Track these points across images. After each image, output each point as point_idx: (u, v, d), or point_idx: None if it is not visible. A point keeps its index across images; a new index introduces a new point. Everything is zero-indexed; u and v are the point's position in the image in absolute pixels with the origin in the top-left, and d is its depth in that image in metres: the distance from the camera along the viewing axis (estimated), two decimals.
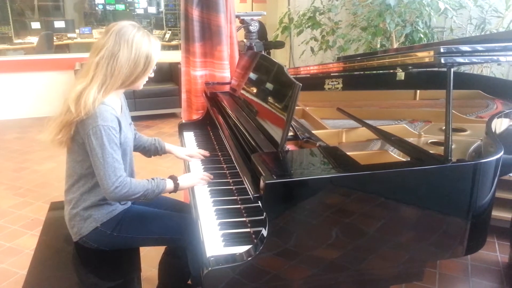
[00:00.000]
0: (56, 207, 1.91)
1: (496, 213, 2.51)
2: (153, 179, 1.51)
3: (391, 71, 2.53)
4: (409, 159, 1.35)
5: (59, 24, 6.06)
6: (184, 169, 1.95)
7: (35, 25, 5.93)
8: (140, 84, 1.54)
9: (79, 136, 1.45)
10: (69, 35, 6.10)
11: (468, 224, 1.27)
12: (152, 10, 6.70)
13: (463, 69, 3.41)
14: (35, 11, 5.97)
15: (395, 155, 1.48)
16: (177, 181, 1.56)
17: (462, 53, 1.25)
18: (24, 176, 3.67)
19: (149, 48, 1.47)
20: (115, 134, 1.42)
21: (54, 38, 5.96)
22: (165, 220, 1.62)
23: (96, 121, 1.39)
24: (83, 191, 1.53)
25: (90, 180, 1.51)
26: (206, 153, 1.90)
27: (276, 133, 1.35)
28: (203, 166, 1.83)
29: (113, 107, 1.46)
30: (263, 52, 2.50)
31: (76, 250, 1.60)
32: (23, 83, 5.56)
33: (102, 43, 1.44)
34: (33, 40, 5.87)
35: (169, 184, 1.54)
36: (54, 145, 1.49)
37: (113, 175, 1.40)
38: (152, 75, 1.56)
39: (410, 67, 2.14)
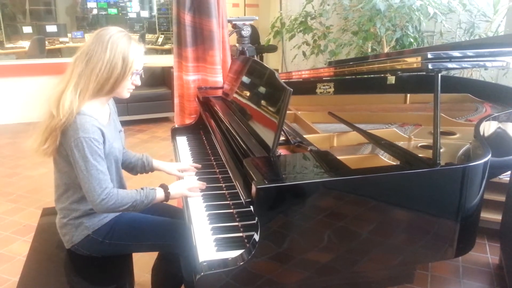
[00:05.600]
0: (48, 213, 1.90)
1: (486, 215, 2.54)
2: (142, 189, 1.49)
3: (382, 75, 2.55)
4: (398, 163, 1.37)
5: (51, 28, 6.05)
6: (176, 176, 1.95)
7: (27, 29, 5.91)
8: (123, 91, 1.49)
9: (63, 148, 1.43)
10: (61, 39, 6.08)
11: (457, 226, 1.29)
12: (145, 14, 6.71)
13: (453, 72, 3.45)
14: (27, 15, 5.95)
15: (385, 159, 1.50)
16: (168, 190, 1.54)
17: (450, 59, 1.28)
18: (16, 182, 3.64)
19: (126, 50, 1.41)
20: (97, 145, 1.39)
21: (46, 42, 5.94)
22: (157, 226, 1.62)
23: (77, 133, 1.36)
24: (72, 200, 1.52)
25: (79, 190, 1.48)
26: (198, 166, 1.84)
27: (268, 137, 1.37)
28: (196, 171, 1.84)
29: (95, 118, 1.43)
30: (255, 57, 2.51)
31: (68, 256, 1.59)
32: (14, 88, 5.53)
33: (82, 46, 1.46)
34: (25, 44, 5.84)
35: (159, 194, 1.52)
36: (39, 155, 1.46)
37: (98, 187, 1.38)
38: (139, 83, 1.51)
39: (399, 72, 2.17)
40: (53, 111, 1.38)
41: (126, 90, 1.50)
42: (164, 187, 1.55)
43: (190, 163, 1.86)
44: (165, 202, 1.59)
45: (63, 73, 1.46)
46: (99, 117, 1.47)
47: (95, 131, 1.40)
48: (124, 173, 1.72)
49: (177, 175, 1.80)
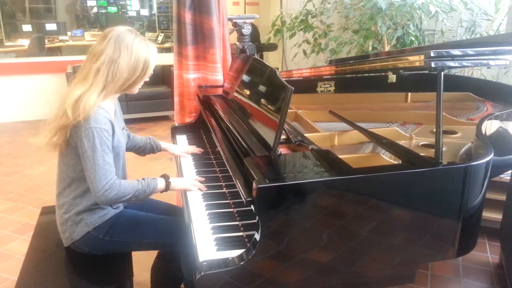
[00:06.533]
0: (48, 211, 1.89)
1: (486, 214, 2.54)
2: (143, 179, 1.51)
3: (383, 73, 2.54)
4: (400, 162, 1.36)
5: (50, 26, 6.02)
6: (177, 173, 1.95)
7: (27, 27, 5.88)
8: (136, 89, 1.56)
9: (73, 140, 1.45)
10: (61, 37, 6.06)
11: (459, 226, 1.28)
12: (145, 12, 6.68)
13: (454, 71, 3.44)
14: (27, 14, 5.93)
15: (387, 158, 1.49)
16: (169, 180, 1.56)
17: (452, 57, 1.27)
18: (15, 181, 3.63)
19: (148, 53, 1.49)
20: (107, 136, 1.42)
21: (46, 40, 5.92)
22: (157, 224, 1.61)
23: (89, 123, 1.39)
24: (75, 195, 1.52)
25: (83, 185, 1.50)
26: (200, 150, 1.95)
27: (268, 136, 1.36)
28: (196, 170, 1.83)
29: (107, 111, 1.46)
30: (255, 55, 2.50)
31: (67, 255, 1.58)
32: (14, 86, 5.51)
33: (100, 49, 1.44)
34: (25, 42, 5.82)
35: (161, 183, 1.54)
36: (48, 148, 1.49)
37: (103, 178, 1.39)
38: (147, 79, 1.57)
39: (401, 71, 2.15)
40: (68, 111, 1.39)
41: (138, 87, 1.57)
42: (165, 177, 1.57)
43: (193, 147, 1.96)
44: (165, 202, 1.59)
45: (80, 74, 1.48)
46: (109, 111, 1.50)
47: (106, 122, 1.43)
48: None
49: (181, 155, 1.91)
